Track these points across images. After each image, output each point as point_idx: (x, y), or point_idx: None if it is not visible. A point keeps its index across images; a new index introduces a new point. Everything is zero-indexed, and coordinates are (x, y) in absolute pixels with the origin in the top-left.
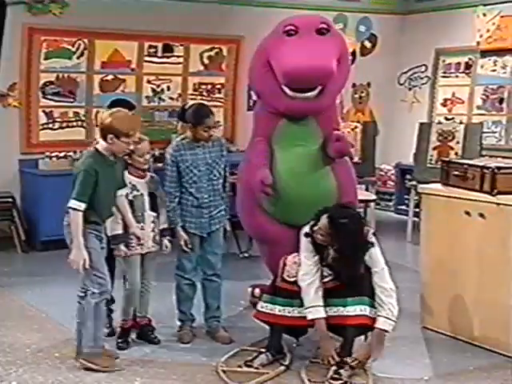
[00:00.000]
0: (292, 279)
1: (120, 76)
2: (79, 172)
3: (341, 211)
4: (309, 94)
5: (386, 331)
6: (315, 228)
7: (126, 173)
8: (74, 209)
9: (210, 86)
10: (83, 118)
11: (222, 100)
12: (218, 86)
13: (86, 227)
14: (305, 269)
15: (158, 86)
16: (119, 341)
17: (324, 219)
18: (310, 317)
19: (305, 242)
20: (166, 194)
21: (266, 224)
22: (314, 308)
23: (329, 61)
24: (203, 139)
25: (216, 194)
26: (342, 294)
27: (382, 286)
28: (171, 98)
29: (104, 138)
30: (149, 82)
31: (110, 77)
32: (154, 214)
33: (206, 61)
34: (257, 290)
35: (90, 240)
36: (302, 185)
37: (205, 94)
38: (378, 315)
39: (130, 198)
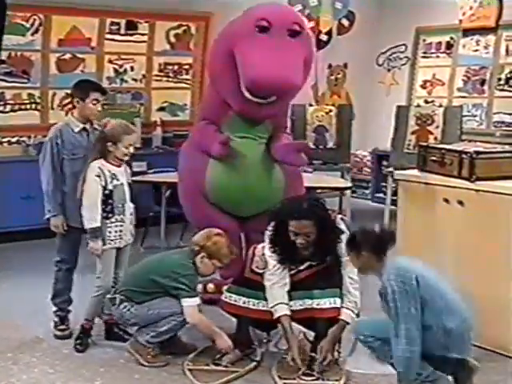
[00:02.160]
0: (261, 271)
1: (79, 55)
2: None
3: (298, 203)
4: (267, 99)
5: (348, 323)
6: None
7: (101, 161)
8: None
9: (176, 67)
10: (38, 101)
11: (189, 82)
12: (186, 67)
13: None
14: (270, 269)
15: (121, 66)
16: (77, 342)
17: (293, 222)
18: (275, 315)
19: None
20: None
21: (213, 215)
22: (278, 306)
23: (297, 75)
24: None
25: None
26: (311, 286)
27: (352, 278)
28: (135, 80)
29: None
30: (110, 61)
31: (68, 56)
32: (133, 206)
33: (172, 39)
34: (210, 285)
35: None
36: (249, 177)
37: (171, 75)
38: (343, 306)
39: (110, 187)
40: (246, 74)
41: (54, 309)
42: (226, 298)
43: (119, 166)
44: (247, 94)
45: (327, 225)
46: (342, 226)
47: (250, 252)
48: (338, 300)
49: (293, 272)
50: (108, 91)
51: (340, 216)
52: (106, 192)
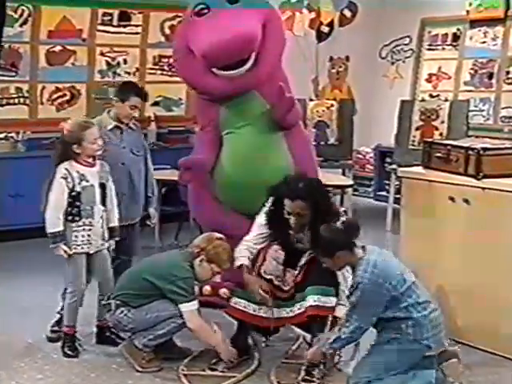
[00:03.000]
0: (268, 276)
1: (69, 47)
2: None
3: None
4: (241, 68)
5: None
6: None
7: (70, 162)
8: None
9: (171, 60)
10: (26, 95)
11: None
12: None
13: None
14: (255, 234)
15: (113, 58)
16: (64, 347)
17: (287, 201)
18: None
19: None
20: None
21: (217, 213)
22: (239, 258)
23: (245, 28)
24: None
25: None
26: (302, 287)
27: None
28: (128, 73)
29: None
30: (102, 54)
31: (58, 48)
32: (103, 208)
33: (167, 31)
34: (207, 287)
35: None
36: (252, 170)
37: (166, 68)
38: (339, 303)
39: (78, 189)
40: (198, 53)
41: (59, 308)
42: (235, 304)
43: (92, 166)
44: (216, 71)
45: (322, 209)
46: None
47: (261, 254)
48: (322, 297)
49: (296, 271)
50: (148, 98)
51: (343, 209)
52: (73, 194)
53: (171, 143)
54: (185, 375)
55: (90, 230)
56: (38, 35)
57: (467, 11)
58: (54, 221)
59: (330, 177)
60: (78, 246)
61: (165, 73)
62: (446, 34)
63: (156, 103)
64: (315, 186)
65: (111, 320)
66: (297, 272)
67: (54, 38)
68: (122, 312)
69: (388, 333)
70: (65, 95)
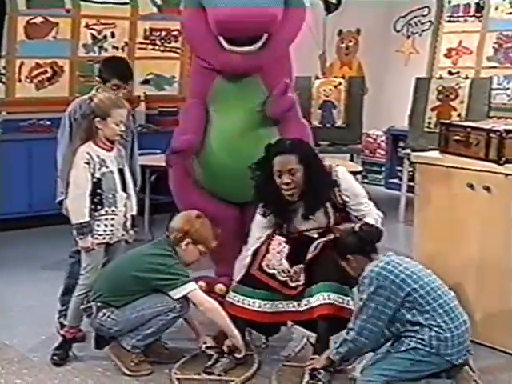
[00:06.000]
0: (271, 271)
1: (51, 18)
2: None
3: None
4: (251, 47)
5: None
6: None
7: (90, 144)
8: None
9: (164, 33)
10: (3, 71)
11: (178, 50)
12: (175, 33)
13: None
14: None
15: (100, 31)
16: (57, 352)
17: (276, 159)
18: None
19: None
20: None
21: (203, 201)
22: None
23: (267, 5)
24: None
25: None
26: (309, 282)
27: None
28: (115, 48)
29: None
30: (88, 26)
31: (39, 19)
32: (126, 195)
33: (159, 1)
34: (220, 286)
35: None
36: (242, 155)
37: (158, 42)
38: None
39: (98, 175)
40: (213, 17)
41: (61, 308)
42: (229, 298)
43: (110, 150)
44: (224, 43)
45: (313, 163)
46: (339, 177)
47: (264, 247)
48: (333, 294)
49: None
50: (133, 79)
51: (339, 167)
52: (94, 180)
53: (162, 125)
54: (178, 379)
55: (112, 219)
56: (15, 5)
57: None
58: (80, 211)
59: (336, 163)
60: (100, 236)
61: (157, 48)
62: (469, 5)
63: (146, 81)
64: (302, 143)
65: (93, 325)
66: (303, 266)
67: (34, 8)
68: (105, 314)
69: (409, 341)
70: (46, 72)
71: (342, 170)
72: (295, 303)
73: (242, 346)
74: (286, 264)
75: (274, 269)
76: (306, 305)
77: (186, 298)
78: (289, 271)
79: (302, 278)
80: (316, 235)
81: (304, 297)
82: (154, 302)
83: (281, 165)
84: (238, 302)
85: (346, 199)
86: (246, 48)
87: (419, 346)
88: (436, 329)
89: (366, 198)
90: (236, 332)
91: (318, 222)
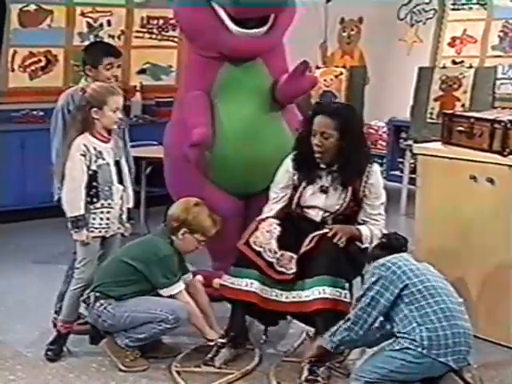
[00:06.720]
0: (258, 248)
1: (45, 6)
2: None
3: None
4: (260, 29)
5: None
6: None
7: (86, 136)
8: None
9: (161, 21)
10: None
11: (176, 39)
12: (172, 22)
13: None
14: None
15: (95, 20)
16: (51, 348)
17: (316, 118)
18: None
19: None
20: None
21: (211, 197)
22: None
23: None
24: None
25: None
26: (301, 275)
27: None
28: (111, 36)
29: None
30: (83, 14)
31: (33, 7)
32: (122, 188)
33: None
34: (217, 280)
35: None
36: (252, 146)
37: (155, 31)
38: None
39: (94, 167)
40: None
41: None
42: (225, 281)
43: (107, 142)
44: (232, 26)
45: (353, 133)
46: (372, 171)
47: (253, 225)
48: (328, 289)
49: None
50: (122, 53)
51: (376, 165)
52: (90, 173)
53: (159, 116)
54: (177, 372)
55: (108, 212)
56: None
57: None
58: (75, 204)
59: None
60: (96, 229)
61: (154, 36)
62: None
63: (142, 71)
64: (349, 109)
65: (90, 315)
66: (296, 257)
67: None
68: (102, 305)
69: (403, 341)
70: (39, 61)
71: (378, 168)
72: (278, 292)
73: (214, 336)
74: (274, 244)
75: (261, 247)
76: (294, 297)
77: (181, 308)
78: (276, 252)
79: (291, 267)
80: (318, 219)
81: (294, 289)
82: (148, 307)
83: (317, 125)
84: (226, 281)
85: (367, 193)
86: (256, 30)
87: (412, 346)
88: (429, 326)
89: (383, 206)
90: (212, 333)
91: (330, 202)
